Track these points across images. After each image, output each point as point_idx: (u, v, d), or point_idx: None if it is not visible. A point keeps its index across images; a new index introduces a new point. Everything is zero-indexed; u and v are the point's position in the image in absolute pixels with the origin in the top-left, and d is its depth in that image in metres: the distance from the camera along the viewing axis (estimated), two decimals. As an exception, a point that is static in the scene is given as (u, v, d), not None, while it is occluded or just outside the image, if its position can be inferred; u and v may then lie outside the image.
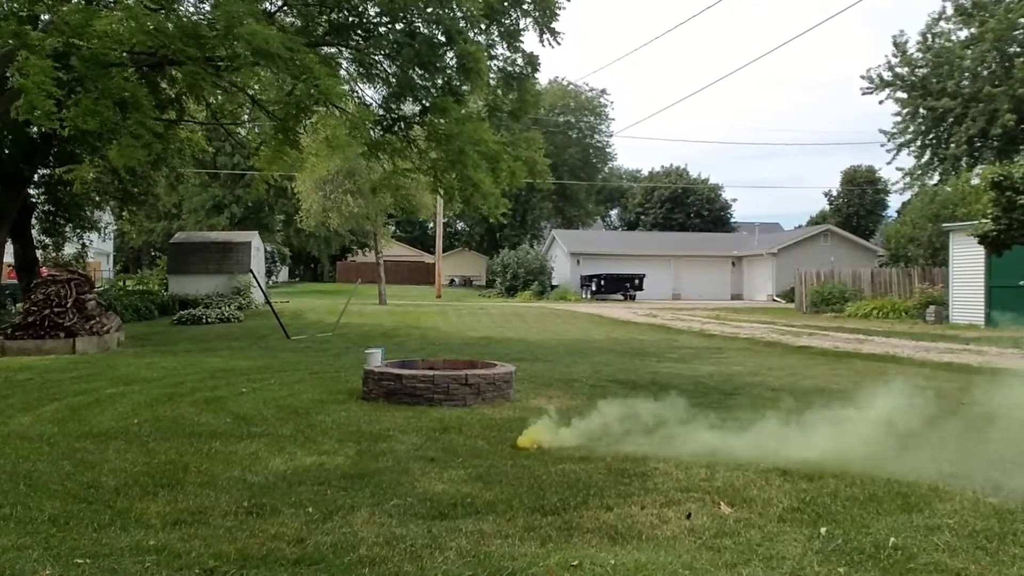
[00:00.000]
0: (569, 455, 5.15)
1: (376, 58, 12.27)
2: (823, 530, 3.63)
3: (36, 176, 17.69)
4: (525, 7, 12.44)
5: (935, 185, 30.01)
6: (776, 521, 3.80)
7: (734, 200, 60.67)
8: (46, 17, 10.38)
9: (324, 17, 12.72)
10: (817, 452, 5.09)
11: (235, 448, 5.34)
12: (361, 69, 12.55)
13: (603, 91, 54.08)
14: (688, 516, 3.84)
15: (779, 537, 3.55)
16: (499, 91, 13.04)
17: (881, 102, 31.83)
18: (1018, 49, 27.69)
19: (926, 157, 31.11)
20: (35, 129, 13.89)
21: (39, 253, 19.46)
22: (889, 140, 31.92)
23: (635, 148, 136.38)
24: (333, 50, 12.74)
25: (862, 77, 31.39)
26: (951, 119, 28.99)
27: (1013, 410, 6.10)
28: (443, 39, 11.76)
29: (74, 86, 9.34)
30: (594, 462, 4.95)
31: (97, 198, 19.95)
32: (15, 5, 9.96)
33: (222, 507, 3.97)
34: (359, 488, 4.34)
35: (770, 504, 4.06)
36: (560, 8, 12.48)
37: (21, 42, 8.64)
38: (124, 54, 9.72)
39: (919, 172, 31.43)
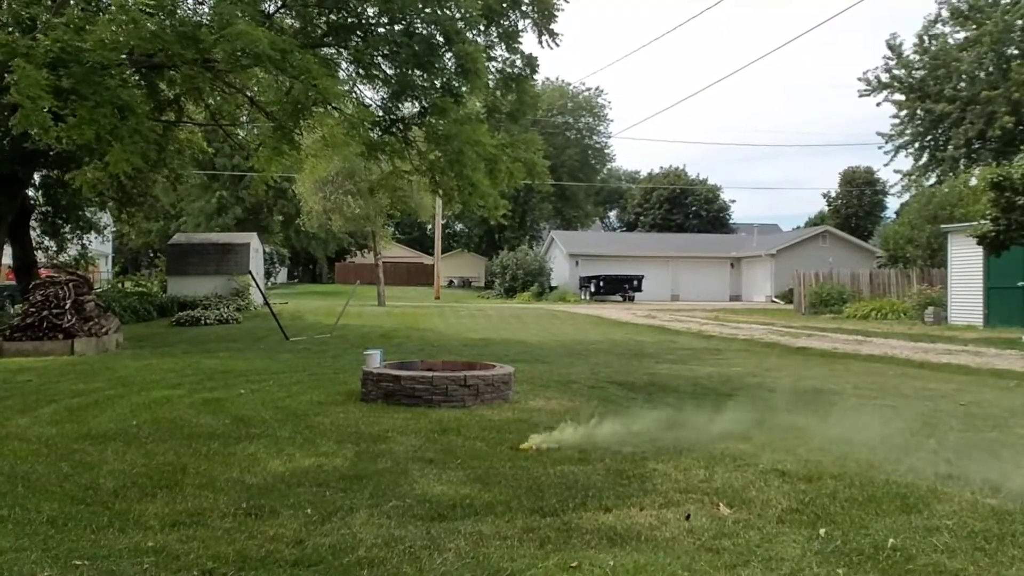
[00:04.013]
0: (568, 456, 5.15)
1: (375, 59, 12.27)
2: (822, 531, 3.63)
3: (36, 177, 17.67)
4: (524, 8, 12.44)
5: (931, 186, 30.06)
6: (775, 522, 3.80)
7: (732, 201, 60.72)
8: (47, 16, 10.35)
9: (323, 18, 12.72)
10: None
11: (234, 450, 5.33)
12: (360, 70, 12.56)
13: (598, 89, 54.12)
14: (687, 517, 3.84)
15: (778, 538, 3.55)
16: (498, 92, 13.04)
17: (879, 104, 32.05)
18: (1015, 51, 27.74)
19: (924, 159, 31.17)
20: (33, 131, 13.86)
21: (39, 255, 19.43)
22: (887, 142, 32.00)
23: (634, 149, 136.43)
24: (332, 51, 12.74)
25: (859, 79, 31.57)
26: (948, 122, 29.04)
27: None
28: (441, 40, 11.77)
29: (70, 94, 9.32)
30: (593, 463, 4.95)
31: (96, 199, 19.92)
32: (14, 4, 9.94)
33: (221, 508, 3.96)
34: (358, 489, 4.33)
35: (769, 505, 4.06)
36: (559, 9, 12.49)
37: (11, 52, 8.62)
38: (123, 56, 9.71)
39: (917, 174, 31.49)
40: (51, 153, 16.10)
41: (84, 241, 21.88)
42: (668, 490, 4.35)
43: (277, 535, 3.56)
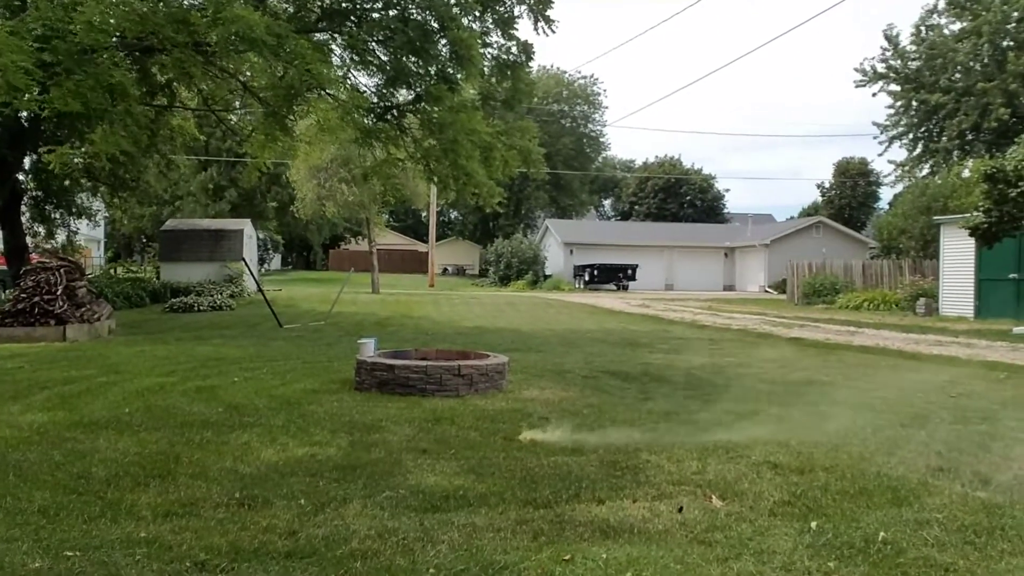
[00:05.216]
0: (561, 447, 5.16)
1: (369, 44, 12.16)
2: (813, 524, 3.65)
3: (26, 162, 17.48)
4: (519, -6, 12.36)
5: (924, 177, 30.13)
6: (767, 515, 3.82)
7: (727, 191, 60.67)
8: None
9: (317, 2, 12.60)
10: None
11: (227, 438, 5.31)
12: (354, 56, 12.45)
13: (594, 77, 53.98)
14: (680, 510, 3.85)
15: (770, 531, 3.57)
16: (493, 80, 12.97)
17: (874, 94, 31.90)
18: (1011, 43, 27.71)
19: (918, 150, 31.22)
20: (23, 113, 13.68)
21: (28, 240, 19.27)
22: (882, 132, 32.02)
23: (629, 138, 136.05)
24: (326, 36, 12.63)
25: (856, 69, 31.45)
26: (943, 113, 29.06)
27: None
28: (436, 26, 11.68)
29: (58, 69, 9.15)
30: (586, 455, 4.95)
31: (87, 183, 19.74)
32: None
33: (213, 499, 3.95)
34: (351, 480, 4.32)
35: (761, 498, 4.08)
36: (555, -5, 12.40)
37: None
38: (113, 39, 9.58)
39: (910, 165, 31.54)
40: (43, 135, 15.94)
41: (72, 227, 21.72)
42: (661, 482, 4.36)
43: (270, 526, 3.55)
